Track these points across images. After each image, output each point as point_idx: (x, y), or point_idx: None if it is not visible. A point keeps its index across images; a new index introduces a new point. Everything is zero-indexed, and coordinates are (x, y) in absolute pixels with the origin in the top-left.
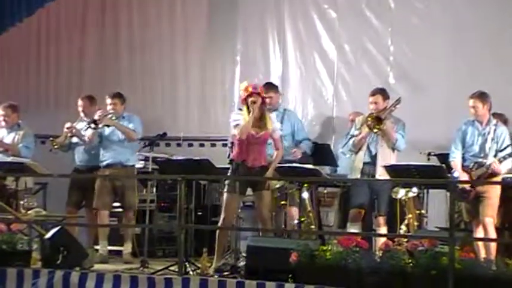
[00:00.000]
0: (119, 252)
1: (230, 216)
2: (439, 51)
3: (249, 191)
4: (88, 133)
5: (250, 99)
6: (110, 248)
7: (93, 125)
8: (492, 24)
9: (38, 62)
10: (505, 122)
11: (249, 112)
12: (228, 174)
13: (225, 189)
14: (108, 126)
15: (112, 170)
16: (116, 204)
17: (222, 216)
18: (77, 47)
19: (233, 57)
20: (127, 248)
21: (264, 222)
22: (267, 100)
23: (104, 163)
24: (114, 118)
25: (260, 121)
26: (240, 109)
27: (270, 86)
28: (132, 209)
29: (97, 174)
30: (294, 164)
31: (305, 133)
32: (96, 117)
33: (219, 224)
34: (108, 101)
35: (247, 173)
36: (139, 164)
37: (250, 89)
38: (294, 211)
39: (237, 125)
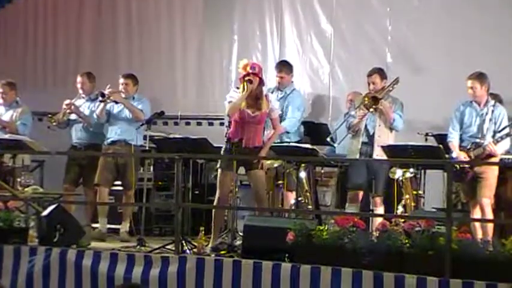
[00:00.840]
0: (116, 231)
1: (224, 193)
2: (438, 31)
3: (243, 171)
4: (98, 109)
5: (246, 78)
6: (107, 226)
7: (100, 98)
8: (492, 4)
9: (35, 40)
10: (500, 102)
11: (243, 91)
12: (222, 152)
13: (218, 166)
14: (116, 102)
15: (116, 147)
16: (116, 182)
17: (217, 193)
18: (74, 26)
19: (230, 36)
20: (124, 227)
21: (261, 202)
22: (278, 79)
23: (109, 140)
24: (123, 96)
25: (256, 101)
26: (237, 87)
27: (282, 66)
28: (132, 188)
29: (95, 152)
30: (292, 144)
31: (293, 111)
32: (106, 91)
33: (215, 202)
34: (121, 80)
35: (240, 151)
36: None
37: (248, 69)
38: (291, 196)
39: (230, 101)
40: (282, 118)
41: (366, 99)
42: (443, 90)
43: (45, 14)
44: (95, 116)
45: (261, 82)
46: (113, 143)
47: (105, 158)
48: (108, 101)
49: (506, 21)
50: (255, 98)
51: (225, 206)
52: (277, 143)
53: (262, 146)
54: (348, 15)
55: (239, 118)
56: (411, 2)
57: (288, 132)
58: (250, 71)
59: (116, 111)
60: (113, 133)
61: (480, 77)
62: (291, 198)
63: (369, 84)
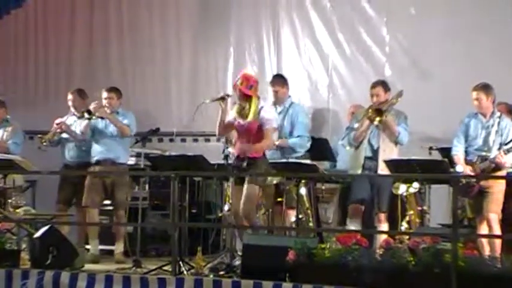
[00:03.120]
0: (111, 252)
1: (235, 208)
2: (437, 40)
3: None
4: (82, 125)
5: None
6: (101, 247)
7: (87, 115)
8: (491, 9)
9: (25, 53)
10: (510, 112)
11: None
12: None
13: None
14: (102, 118)
15: (102, 166)
16: (107, 202)
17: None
18: (65, 40)
19: (226, 49)
20: (119, 248)
21: (239, 218)
22: (273, 93)
23: (94, 159)
24: (108, 112)
25: (243, 110)
26: (234, 102)
27: (274, 79)
28: (122, 207)
29: (87, 171)
30: (291, 160)
31: (302, 130)
32: (91, 107)
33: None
34: (104, 94)
35: (237, 163)
36: (131, 161)
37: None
38: (292, 213)
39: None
40: (283, 134)
41: (370, 111)
42: (445, 102)
43: (35, 29)
44: (79, 131)
45: (243, 94)
46: (99, 162)
47: (91, 178)
48: (94, 117)
49: (510, 25)
50: (242, 108)
51: (224, 224)
52: (278, 159)
53: (260, 158)
54: (344, 25)
55: (235, 129)
56: (407, 10)
57: (294, 151)
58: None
59: (101, 127)
60: (98, 152)
61: (485, 88)
62: (292, 215)
63: (372, 96)
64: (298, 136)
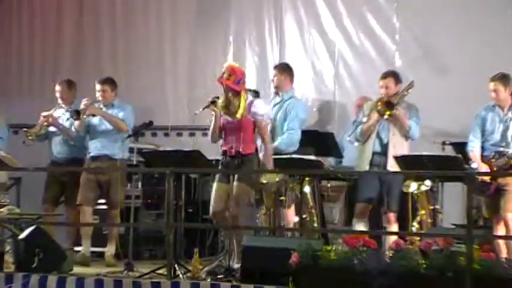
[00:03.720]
0: (101, 254)
1: (219, 207)
2: (451, 28)
3: None
4: (76, 123)
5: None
6: (91, 249)
7: (75, 116)
8: None
9: (8, 43)
10: None
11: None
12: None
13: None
14: (94, 115)
15: (98, 163)
16: (101, 201)
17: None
18: (52, 27)
19: (226, 38)
20: (110, 250)
21: (220, 220)
22: (275, 81)
23: (90, 155)
24: (102, 106)
25: (229, 106)
26: None
27: (278, 65)
28: (117, 206)
29: (78, 167)
30: (294, 155)
31: (295, 124)
32: (81, 106)
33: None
34: (98, 87)
35: (228, 161)
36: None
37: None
38: (291, 212)
39: None
40: (275, 129)
41: (380, 104)
42: (461, 94)
43: (19, 14)
44: (73, 129)
45: (230, 88)
46: (94, 158)
47: (86, 175)
48: (85, 116)
49: None
50: (227, 104)
51: (221, 225)
52: (278, 155)
53: (251, 154)
54: (352, 11)
55: (222, 126)
56: None
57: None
58: (218, 77)
59: (95, 123)
60: (94, 147)
61: (504, 78)
62: (294, 215)
63: (381, 88)
64: (286, 130)
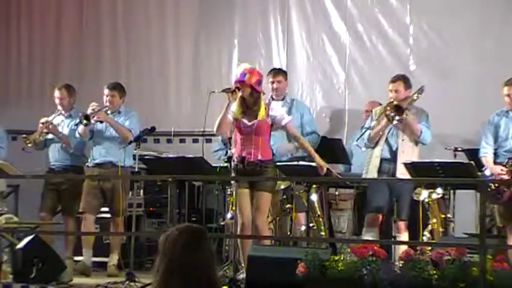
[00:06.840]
0: (103, 264)
1: (246, 215)
2: (466, 31)
3: None
4: (80, 128)
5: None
6: (92, 259)
7: (85, 121)
8: None
9: (6, 47)
10: None
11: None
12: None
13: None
14: (101, 122)
15: (102, 169)
16: (103, 209)
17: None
18: (52, 30)
19: (230, 40)
20: (113, 259)
21: (257, 231)
22: (275, 85)
23: (93, 162)
24: (109, 112)
25: (250, 109)
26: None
27: (279, 71)
28: (120, 215)
29: (76, 175)
30: (301, 162)
31: (314, 126)
32: (89, 111)
33: (238, 228)
34: (106, 91)
35: (244, 169)
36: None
37: (237, 76)
38: (302, 217)
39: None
40: None
41: (389, 108)
42: (474, 99)
43: (18, 16)
44: (77, 134)
45: (254, 89)
46: (98, 165)
47: (89, 182)
48: (93, 121)
49: None
50: (248, 107)
51: (227, 234)
52: (285, 161)
53: (270, 160)
54: (363, 13)
55: (237, 130)
56: None
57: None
58: (238, 79)
59: (100, 128)
60: (98, 154)
61: None
62: (301, 224)
63: (390, 91)
64: (312, 132)
